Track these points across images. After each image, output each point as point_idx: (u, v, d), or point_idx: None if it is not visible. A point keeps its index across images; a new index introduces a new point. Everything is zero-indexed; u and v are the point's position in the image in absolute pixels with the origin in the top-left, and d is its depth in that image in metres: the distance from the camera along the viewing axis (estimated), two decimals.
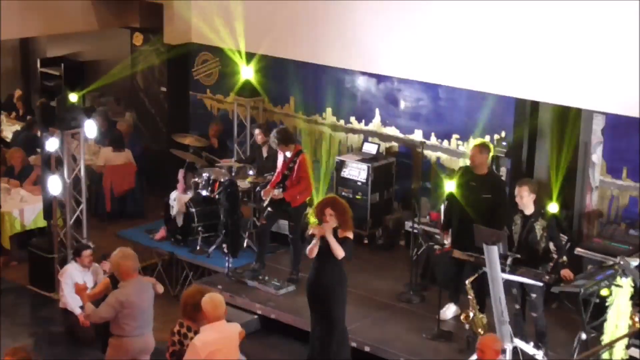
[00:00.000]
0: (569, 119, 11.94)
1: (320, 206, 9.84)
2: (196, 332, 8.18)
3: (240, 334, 8.41)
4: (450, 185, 10.80)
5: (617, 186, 11.59)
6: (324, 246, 9.75)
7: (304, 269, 11.20)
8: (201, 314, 8.15)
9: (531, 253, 9.94)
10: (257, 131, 13.17)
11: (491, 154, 10.97)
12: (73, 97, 12.29)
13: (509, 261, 9.81)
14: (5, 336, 11.24)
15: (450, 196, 10.88)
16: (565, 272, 9.73)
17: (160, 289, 9.36)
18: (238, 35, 13.60)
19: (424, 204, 12.72)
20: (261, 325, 11.42)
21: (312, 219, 9.98)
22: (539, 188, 10.34)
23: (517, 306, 9.98)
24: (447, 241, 10.84)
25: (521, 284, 9.89)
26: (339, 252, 9.66)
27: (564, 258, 9.95)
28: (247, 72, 13.97)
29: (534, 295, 9.87)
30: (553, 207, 10.82)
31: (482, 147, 10.79)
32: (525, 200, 9.96)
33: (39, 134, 15.21)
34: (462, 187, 10.68)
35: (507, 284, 9.81)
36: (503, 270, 9.67)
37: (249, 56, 13.88)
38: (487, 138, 12.36)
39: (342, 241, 9.73)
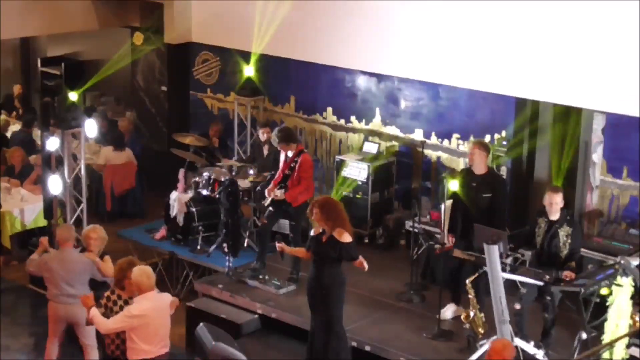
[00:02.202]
0: (569, 119, 11.96)
1: (310, 206, 9.93)
2: (125, 301, 8.69)
3: (172, 302, 8.82)
4: (453, 186, 10.79)
5: (618, 186, 11.59)
6: (321, 247, 9.76)
7: (304, 269, 11.20)
8: (126, 283, 8.68)
9: (552, 258, 9.95)
10: (261, 130, 13.16)
11: (490, 152, 10.97)
12: (73, 97, 12.30)
13: (509, 260, 9.82)
14: (5, 336, 11.26)
15: (454, 197, 10.87)
16: (567, 273, 9.74)
17: (107, 269, 9.77)
18: (238, 35, 13.62)
19: (425, 204, 12.74)
20: (261, 325, 11.41)
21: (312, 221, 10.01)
22: (538, 186, 10.35)
23: (518, 306, 9.97)
24: (449, 242, 10.82)
25: (538, 287, 9.87)
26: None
27: (573, 263, 9.95)
28: (248, 71, 14.01)
29: (548, 298, 9.85)
30: None
31: (481, 146, 10.79)
32: (559, 206, 10.01)
33: (34, 132, 15.25)
34: (463, 188, 10.69)
35: (516, 284, 9.84)
36: (504, 270, 9.67)
37: (250, 55, 13.90)
38: (488, 137, 12.37)
39: (342, 247, 9.72)
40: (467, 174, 10.85)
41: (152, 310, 8.51)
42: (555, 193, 10.04)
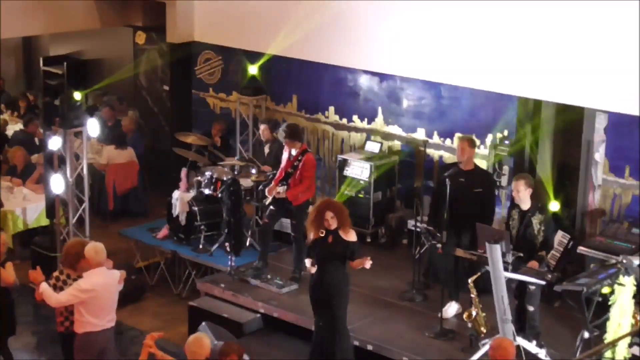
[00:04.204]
0: (571, 118, 11.95)
1: (318, 212, 9.83)
2: (75, 279, 9.07)
3: (121, 276, 9.23)
4: (437, 182, 10.81)
5: (620, 185, 11.58)
6: (328, 248, 9.77)
7: (306, 268, 11.19)
8: (81, 263, 9.07)
9: (529, 248, 9.97)
10: (263, 126, 13.17)
11: (476, 148, 10.98)
12: (77, 96, 12.30)
13: (510, 259, 9.82)
14: None
15: (437, 193, 10.87)
16: (531, 263, 9.82)
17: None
18: (241, 34, 13.60)
19: (427, 203, 12.71)
20: (264, 324, 11.41)
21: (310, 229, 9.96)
22: (538, 184, 10.37)
23: (531, 308, 9.96)
24: (433, 232, 10.87)
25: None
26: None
27: (543, 252, 9.96)
28: (252, 70, 14.04)
29: (532, 287, 9.87)
30: (554, 206, 10.81)
31: (471, 141, 10.82)
32: (522, 194, 10.00)
33: (38, 132, 15.24)
34: (452, 184, 10.63)
35: (507, 280, 9.85)
36: (505, 269, 9.67)
37: (252, 55, 13.91)
38: (490, 137, 12.37)
39: (353, 245, 9.80)
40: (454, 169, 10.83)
41: (100, 285, 8.93)
42: (516, 180, 10.09)
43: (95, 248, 9.02)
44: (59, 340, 9.59)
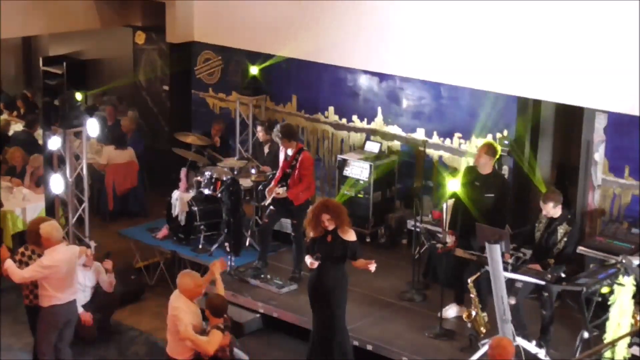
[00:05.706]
0: (571, 118, 11.94)
1: (314, 214, 9.81)
2: (39, 255, 9.51)
3: (81, 251, 9.93)
4: (453, 184, 10.80)
5: (619, 185, 11.58)
6: (326, 247, 9.76)
7: (306, 268, 11.18)
8: (42, 240, 9.41)
9: (547, 253, 10.03)
10: (259, 128, 13.20)
11: (497, 155, 10.97)
12: (77, 96, 12.31)
13: (511, 260, 9.82)
14: (6, 335, 11.25)
15: (455, 195, 10.89)
16: (532, 265, 9.89)
17: None
18: (240, 34, 13.61)
19: (426, 203, 12.73)
20: (263, 324, 11.43)
21: (308, 230, 9.94)
22: (538, 184, 10.39)
23: (513, 301, 9.94)
24: (450, 240, 10.83)
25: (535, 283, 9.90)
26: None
27: (552, 261, 9.97)
28: (253, 71, 14.06)
29: (545, 294, 9.88)
30: None
31: (490, 148, 10.80)
32: (552, 212, 10.10)
33: (37, 133, 15.24)
34: (466, 187, 10.70)
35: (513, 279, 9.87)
36: (505, 269, 9.67)
37: (253, 55, 13.91)
38: (489, 137, 12.38)
39: (353, 244, 9.78)
40: (471, 172, 10.87)
41: (62, 260, 9.40)
42: (545, 203, 10.14)
43: (51, 225, 9.42)
44: (25, 313, 10.04)
